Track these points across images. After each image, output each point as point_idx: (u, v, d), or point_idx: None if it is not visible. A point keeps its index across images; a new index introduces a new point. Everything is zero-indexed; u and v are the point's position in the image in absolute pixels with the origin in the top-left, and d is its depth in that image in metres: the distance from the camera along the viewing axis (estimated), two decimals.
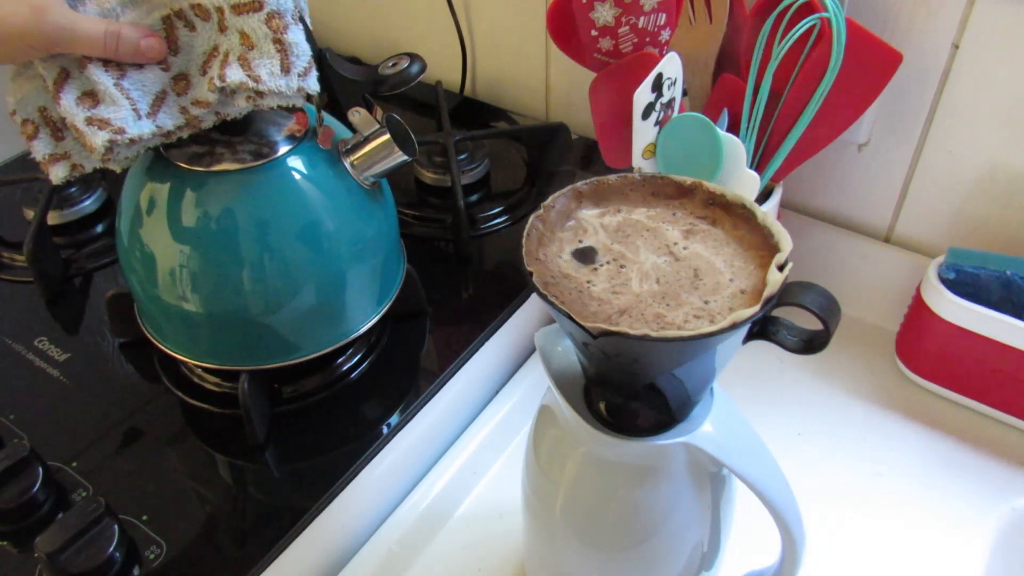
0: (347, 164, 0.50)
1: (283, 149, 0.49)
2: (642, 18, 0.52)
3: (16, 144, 0.82)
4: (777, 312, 0.31)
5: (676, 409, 0.35)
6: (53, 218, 0.68)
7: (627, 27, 0.53)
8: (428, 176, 0.72)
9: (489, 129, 0.80)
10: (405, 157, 0.50)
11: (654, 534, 0.38)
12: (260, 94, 0.44)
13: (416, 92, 0.87)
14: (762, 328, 0.33)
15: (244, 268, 0.48)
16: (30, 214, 0.67)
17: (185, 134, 0.47)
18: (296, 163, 0.49)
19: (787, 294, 0.31)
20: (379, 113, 0.50)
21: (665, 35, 0.54)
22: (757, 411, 0.59)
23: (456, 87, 0.86)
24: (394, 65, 0.50)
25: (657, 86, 0.51)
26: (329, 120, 0.52)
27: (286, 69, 0.44)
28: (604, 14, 0.52)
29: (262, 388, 0.54)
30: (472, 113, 0.83)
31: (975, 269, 0.55)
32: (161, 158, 0.49)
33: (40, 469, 0.48)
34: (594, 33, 0.53)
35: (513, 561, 0.51)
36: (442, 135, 0.72)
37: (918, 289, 0.58)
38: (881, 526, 0.52)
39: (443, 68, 0.87)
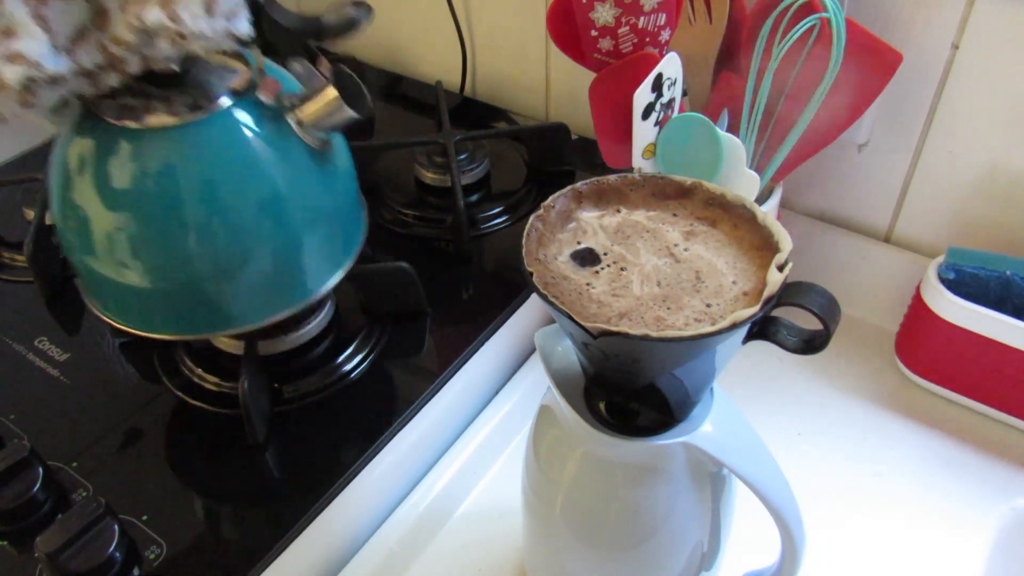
0: (292, 122, 0.47)
1: (223, 103, 0.46)
2: (642, 18, 0.52)
3: (16, 144, 0.82)
4: (777, 312, 0.31)
5: (676, 409, 0.35)
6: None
7: (627, 27, 0.53)
8: (428, 176, 0.72)
9: (489, 129, 0.80)
10: (354, 115, 0.46)
11: (654, 534, 0.38)
12: (183, 36, 0.41)
13: (416, 92, 0.88)
14: (762, 328, 0.33)
15: (181, 231, 0.45)
16: (30, 214, 0.67)
17: (113, 80, 0.44)
18: (237, 117, 0.46)
19: (787, 294, 0.31)
20: (325, 66, 0.47)
21: (665, 35, 0.54)
22: (757, 411, 0.59)
23: (456, 87, 0.86)
24: (337, 12, 0.47)
25: (657, 86, 0.51)
26: (277, 73, 0.49)
27: (210, 10, 0.41)
28: (604, 14, 0.52)
29: (262, 388, 0.54)
30: (472, 113, 0.83)
31: (975, 269, 0.55)
32: (91, 114, 0.45)
33: (40, 469, 0.48)
34: (594, 33, 0.53)
35: (513, 561, 0.51)
36: (442, 135, 0.72)
37: (918, 289, 0.58)
38: (881, 526, 0.52)
39: (443, 68, 0.87)
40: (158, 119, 0.44)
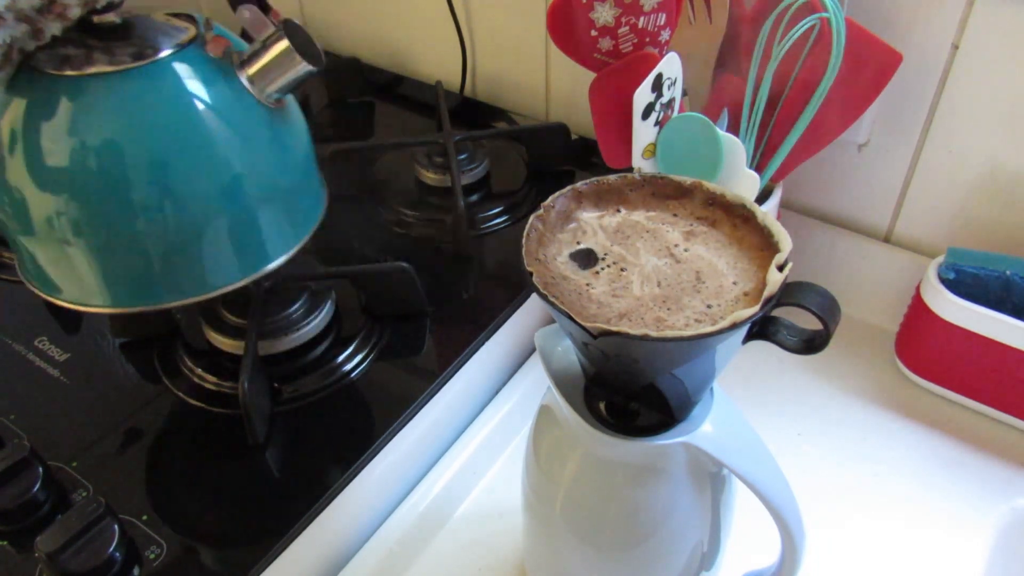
0: (243, 79, 0.45)
1: (166, 53, 0.43)
2: (642, 18, 0.52)
3: None
4: (777, 312, 0.31)
5: (676, 409, 0.35)
6: None
7: (627, 27, 0.53)
8: (428, 176, 0.72)
9: (489, 129, 0.80)
10: (310, 68, 0.44)
11: (654, 534, 0.38)
12: None
13: (416, 92, 0.88)
14: (762, 328, 0.33)
15: (122, 188, 0.43)
16: None
17: (55, 28, 0.42)
18: (181, 69, 0.44)
19: (787, 294, 0.31)
20: (277, 16, 0.46)
21: (665, 35, 0.54)
22: (757, 411, 0.59)
23: (456, 87, 0.86)
24: None
25: (657, 86, 0.51)
26: (227, 35, 0.47)
27: None
28: (604, 14, 0.52)
29: (262, 388, 0.54)
30: (472, 113, 0.83)
31: (975, 269, 0.55)
32: (29, 68, 0.43)
33: (40, 469, 0.48)
34: (594, 33, 0.53)
35: (513, 561, 0.51)
36: (442, 135, 0.72)
37: (918, 289, 0.58)
38: (881, 526, 0.52)
39: (443, 68, 0.87)
40: (98, 67, 0.42)
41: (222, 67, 0.45)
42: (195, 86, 0.44)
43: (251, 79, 0.45)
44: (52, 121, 0.42)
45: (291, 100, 0.49)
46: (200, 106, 0.44)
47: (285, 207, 0.49)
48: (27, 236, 0.45)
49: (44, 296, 0.48)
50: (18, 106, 0.43)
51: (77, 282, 0.46)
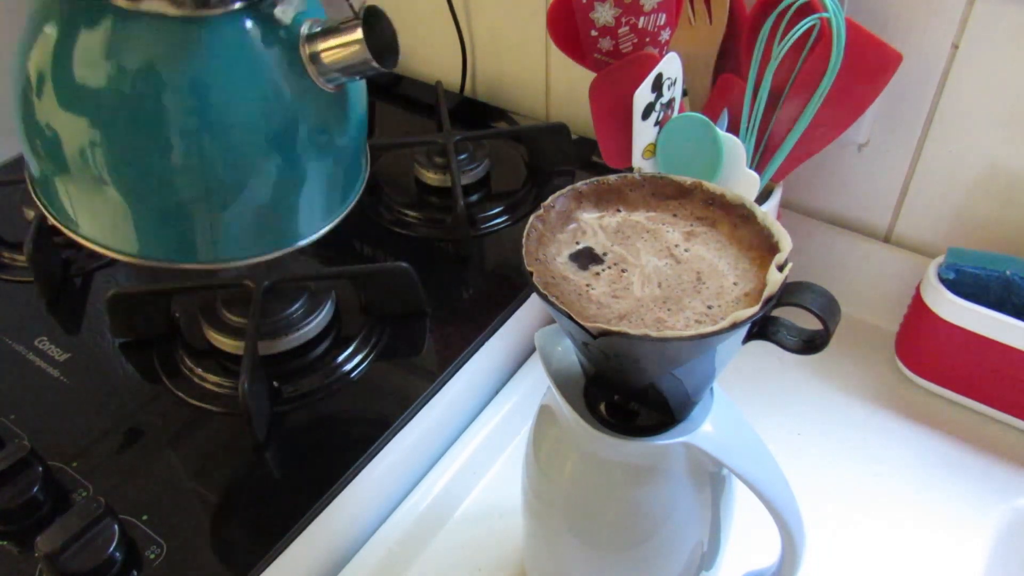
0: (305, 53, 0.41)
1: (234, 5, 0.40)
2: (642, 18, 0.52)
3: (16, 144, 0.82)
4: (777, 312, 0.31)
5: (676, 409, 0.35)
6: None
7: (627, 27, 0.53)
8: (428, 176, 0.72)
9: (489, 129, 0.80)
10: (377, 67, 0.41)
11: (654, 534, 0.38)
12: None
13: (416, 92, 0.88)
14: (762, 328, 0.33)
15: (161, 138, 0.40)
16: (30, 214, 0.67)
17: None
18: (247, 25, 0.40)
19: (787, 294, 0.31)
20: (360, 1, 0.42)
21: (665, 35, 0.54)
22: (757, 411, 0.59)
23: (456, 87, 0.86)
24: None
25: (657, 86, 0.51)
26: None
27: None
28: (604, 14, 0.52)
29: (262, 388, 0.54)
30: (472, 113, 0.83)
31: (975, 269, 0.55)
32: None
33: (40, 469, 0.48)
34: (594, 33, 0.53)
35: (513, 561, 0.51)
36: (442, 135, 0.72)
37: (918, 289, 0.58)
38: (881, 526, 0.52)
39: (443, 68, 0.87)
40: (157, 4, 0.39)
41: (289, 33, 0.41)
42: (256, 45, 0.40)
43: (313, 56, 0.41)
44: (94, 51, 0.40)
45: (358, 84, 0.45)
46: (257, 65, 0.41)
47: (325, 183, 0.46)
48: (55, 163, 0.42)
49: (58, 225, 0.45)
50: (59, 29, 0.41)
51: (100, 219, 0.43)
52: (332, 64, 0.41)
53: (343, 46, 0.40)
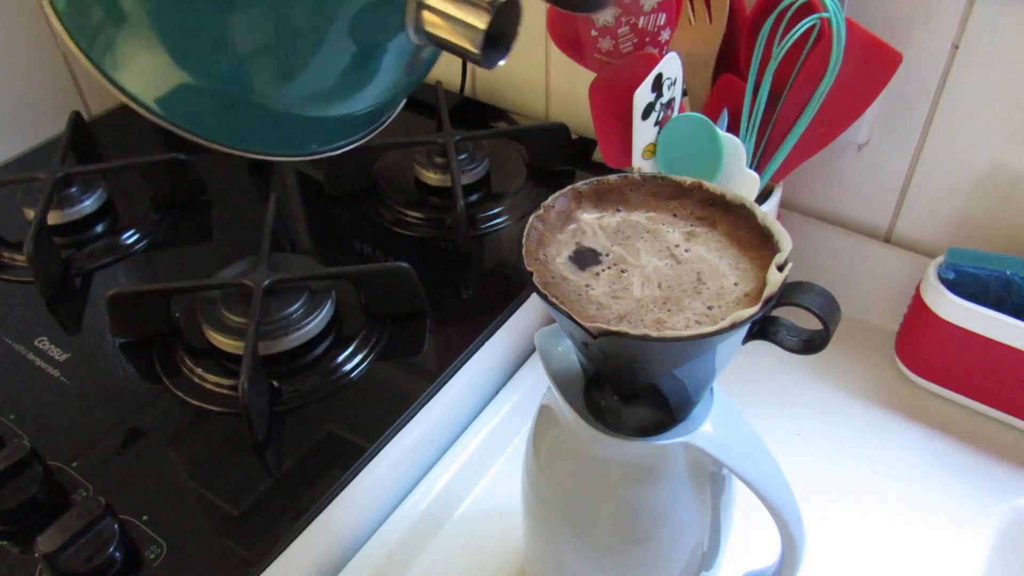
0: (413, 3, 0.36)
1: None
2: (642, 18, 0.52)
3: (16, 144, 0.82)
4: (777, 312, 0.31)
5: (676, 409, 0.35)
6: (53, 218, 0.68)
7: (627, 27, 0.53)
8: (428, 176, 0.72)
9: (489, 129, 0.80)
10: (476, 56, 0.36)
11: (654, 534, 0.38)
12: None
13: (416, 92, 0.87)
14: (762, 328, 0.33)
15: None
16: (30, 214, 0.67)
17: None
18: None
19: (787, 294, 0.31)
20: None
21: (665, 35, 0.54)
22: (757, 411, 0.59)
23: (456, 87, 0.86)
24: None
25: (657, 86, 0.51)
26: None
27: None
28: (604, 14, 0.52)
29: (262, 388, 0.54)
30: (472, 113, 0.83)
31: (975, 269, 0.55)
32: None
33: (40, 469, 0.48)
34: (594, 33, 0.53)
35: (513, 561, 0.51)
36: (442, 135, 0.72)
37: (918, 289, 0.58)
38: (881, 526, 0.52)
39: (443, 68, 0.87)
40: None
41: None
42: None
43: (420, 4, 0.36)
44: None
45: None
46: None
47: (378, 90, 0.42)
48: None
49: (81, 52, 0.37)
50: None
51: (138, 62, 0.36)
52: (435, 26, 0.36)
53: (458, 17, 0.35)
